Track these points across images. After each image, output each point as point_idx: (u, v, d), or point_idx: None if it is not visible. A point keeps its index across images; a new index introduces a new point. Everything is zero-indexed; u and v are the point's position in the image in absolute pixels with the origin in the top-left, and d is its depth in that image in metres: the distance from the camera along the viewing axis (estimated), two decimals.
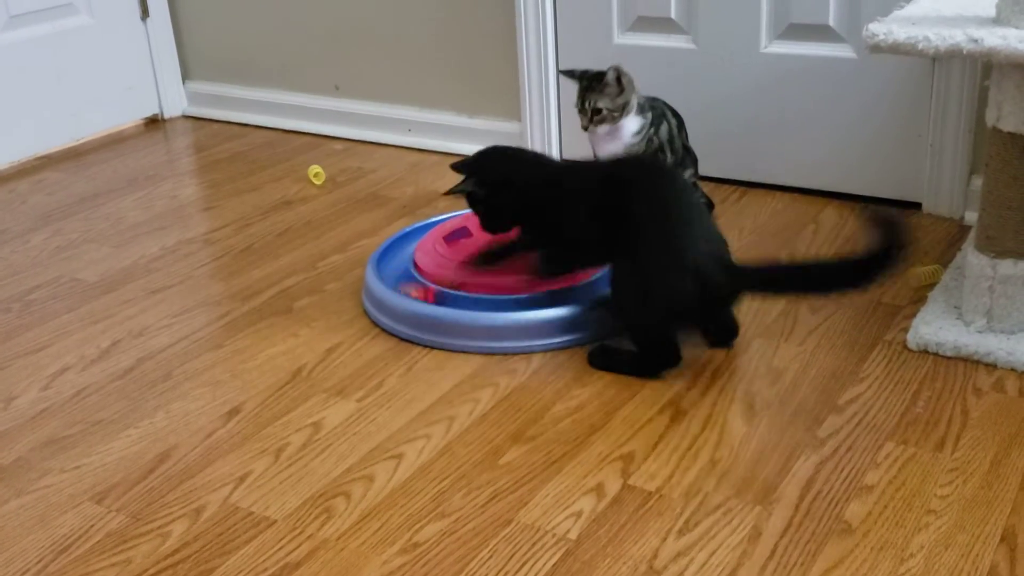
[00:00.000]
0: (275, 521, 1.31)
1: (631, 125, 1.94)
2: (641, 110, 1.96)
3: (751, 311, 1.74)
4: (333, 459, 1.42)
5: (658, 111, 2.01)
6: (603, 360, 1.60)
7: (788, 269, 1.64)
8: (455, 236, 1.87)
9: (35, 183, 2.59)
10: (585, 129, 1.95)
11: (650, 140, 1.97)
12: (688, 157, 2.07)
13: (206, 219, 2.30)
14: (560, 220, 1.63)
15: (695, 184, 2.10)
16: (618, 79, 1.91)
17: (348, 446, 1.45)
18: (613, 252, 1.57)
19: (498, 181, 1.70)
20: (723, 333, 1.65)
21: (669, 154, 2.02)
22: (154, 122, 3.00)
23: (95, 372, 1.68)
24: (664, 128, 2.00)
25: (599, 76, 1.93)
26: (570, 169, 1.79)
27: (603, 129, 1.94)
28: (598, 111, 1.92)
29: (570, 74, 2.00)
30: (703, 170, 2.15)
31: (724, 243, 1.58)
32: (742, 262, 1.59)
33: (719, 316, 1.62)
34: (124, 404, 1.59)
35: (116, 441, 1.50)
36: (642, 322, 1.56)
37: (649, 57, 2.28)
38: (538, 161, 1.79)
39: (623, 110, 1.92)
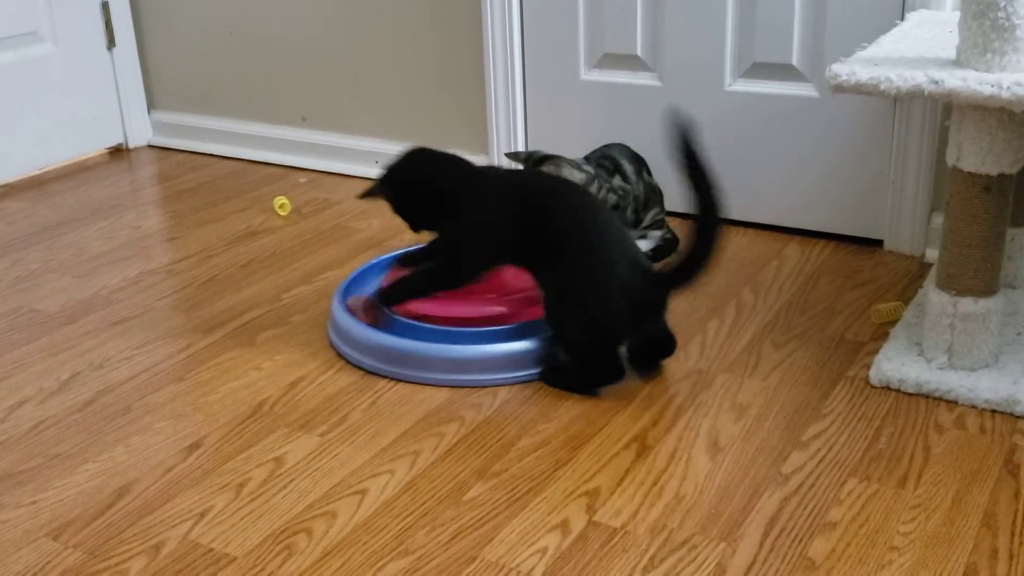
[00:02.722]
0: (235, 558, 1.29)
1: None
2: (587, 184, 1.99)
3: (715, 347, 1.75)
4: (295, 495, 1.41)
5: (609, 166, 2.04)
6: (552, 377, 1.63)
7: (690, 256, 1.58)
8: None
9: None
10: None
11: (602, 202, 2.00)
12: (654, 196, 2.09)
13: (169, 250, 2.28)
14: (473, 224, 1.64)
15: (662, 221, 2.12)
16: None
17: (311, 481, 1.43)
18: (532, 266, 1.63)
19: (408, 181, 1.70)
20: (662, 346, 1.67)
21: (631, 201, 2.04)
22: (118, 151, 2.98)
23: (54, 405, 1.66)
24: (616, 181, 2.03)
25: (541, 162, 1.97)
26: (487, 176, 1.71)
27: None
28: None
29: (515, 157, 2.05)
30: (668, 206, 2.16)
31: (640, 253, 1.62)
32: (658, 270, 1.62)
33: (654, 327, 1.64)
34: (83, 438, 1.56)
35: (74, 475, 1.47)
36: (581, 340, 1.59)
37: (615, 93, 2.30)
38: (456, 164, 1.72)
39: None
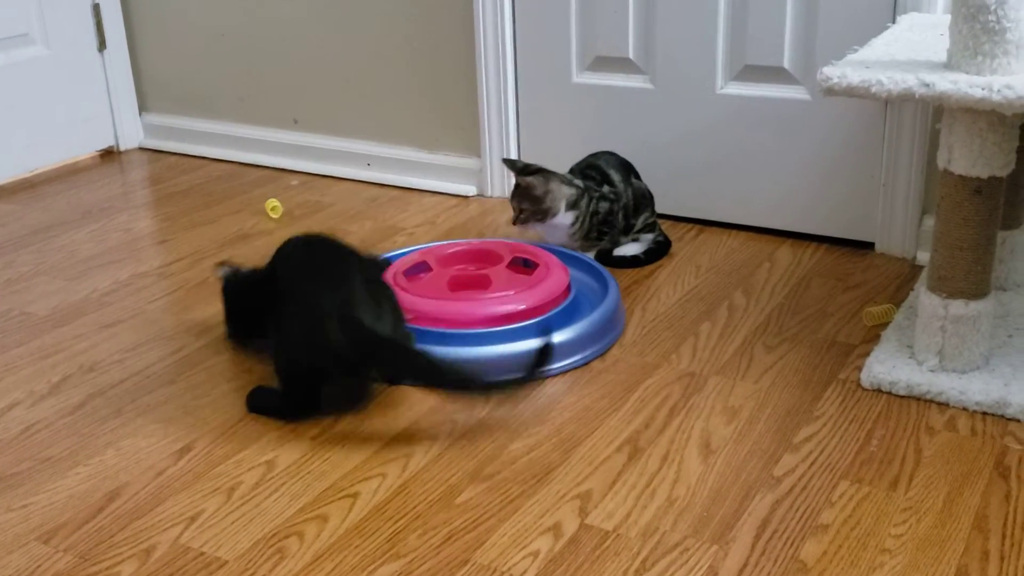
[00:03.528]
0: (227, 562, 1.29)
1: (564, 220, 2.01)
2: (574, 205, 2.00)
3: (707, 349, 1.75)
4: (286, 498, 1.40)
5: (596, 176, 2.06)
6: (254, 401, 1.62)
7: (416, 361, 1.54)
8: (415, 271, 1.87)
9: None
10: (513, 223, 2.04)
11: (594, 214, 2.02)
12: (643, 200, 2.10)
13: (161, 252, 2.27)
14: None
15: (654, 223, 2.12)
16: (543, 191, 1.98)
17: (302, 485, 1.43)
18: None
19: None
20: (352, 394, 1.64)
21: (620, 216, 2.06)
22: (110, 154, 2.98)
23: (44, 408, 1.65)
24: (606, 189, 2.04)
25: (532, 173, 2.00)
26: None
27: (533, 226, 2.02)
28: (522, 211, 2.01)
29: (511, 165, 2.07)
30: (660, 208, 2.17)
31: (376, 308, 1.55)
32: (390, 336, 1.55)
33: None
34: (74, 441, 1.56)
35: (65, 479, 1.47)
36: (286, 369, 1.58)
37: (607, 96, 2.30)
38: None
39: (547, 213, 1.99)
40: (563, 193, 1.99)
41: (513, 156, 2.45)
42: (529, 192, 1.99)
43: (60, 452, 1.53)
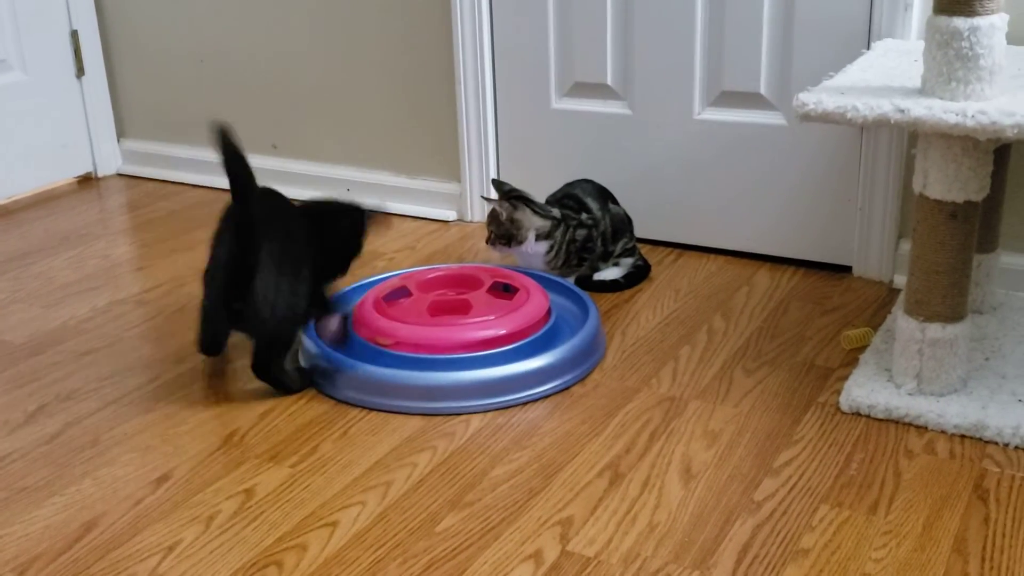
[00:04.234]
0: None
1: (537, 249, 2.02)
2: (547, 235, 2.02)
3: (687, 373, 1.76)
4: (265, 527, 1.39)
5: (573, 205, 2.07)
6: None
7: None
8: (394, 296, 1.87)
9: None
10: (486, 242, 2.07)
11: (571, 242, 2.03)
12: (622, 225, 2.10)
13: (139, 279, 2.26)
14: None
15: (633, 248, 2.13)
16: (508, 218, 2.02)
17: (281, 513, 1.42)
18: None
19: None
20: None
21: (599, 242, 2.06)
22: (88, 180, 2.96)
23: (20, 437, 1.64)
24: (583, 218, 2.05)
25: (513, 197, 2.03)
26: None
27: (501, 249, 2.05)
28: (490, 233, 2.05)
29: (498, 187, 2.09)
30: (639, 233, 2.18)
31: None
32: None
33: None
34: (50, 471, 1.54)
35: (40, 509, 1.45)
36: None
37: (586, 122, 2.32)
38: None
39: (512, 239, 2.02)
40: (532, 223, 2.00)
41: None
42: (496, 216, 2.02)
43: (36, 482, 1.52)
